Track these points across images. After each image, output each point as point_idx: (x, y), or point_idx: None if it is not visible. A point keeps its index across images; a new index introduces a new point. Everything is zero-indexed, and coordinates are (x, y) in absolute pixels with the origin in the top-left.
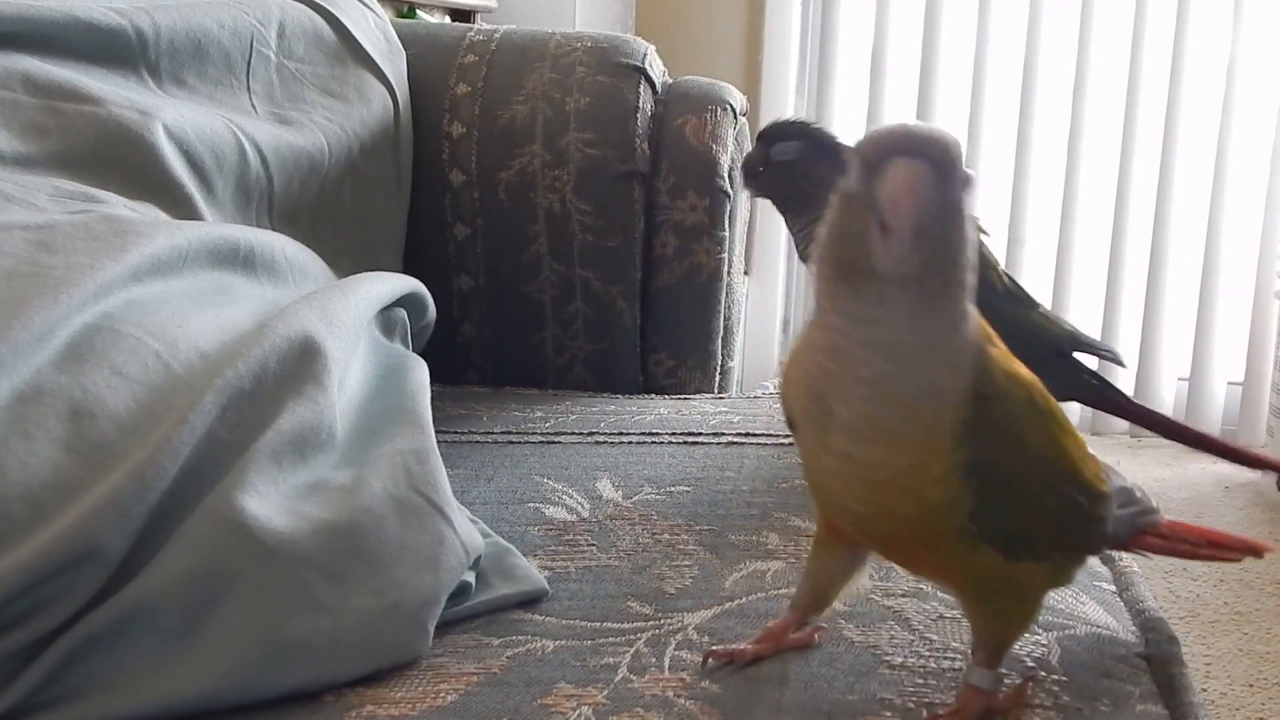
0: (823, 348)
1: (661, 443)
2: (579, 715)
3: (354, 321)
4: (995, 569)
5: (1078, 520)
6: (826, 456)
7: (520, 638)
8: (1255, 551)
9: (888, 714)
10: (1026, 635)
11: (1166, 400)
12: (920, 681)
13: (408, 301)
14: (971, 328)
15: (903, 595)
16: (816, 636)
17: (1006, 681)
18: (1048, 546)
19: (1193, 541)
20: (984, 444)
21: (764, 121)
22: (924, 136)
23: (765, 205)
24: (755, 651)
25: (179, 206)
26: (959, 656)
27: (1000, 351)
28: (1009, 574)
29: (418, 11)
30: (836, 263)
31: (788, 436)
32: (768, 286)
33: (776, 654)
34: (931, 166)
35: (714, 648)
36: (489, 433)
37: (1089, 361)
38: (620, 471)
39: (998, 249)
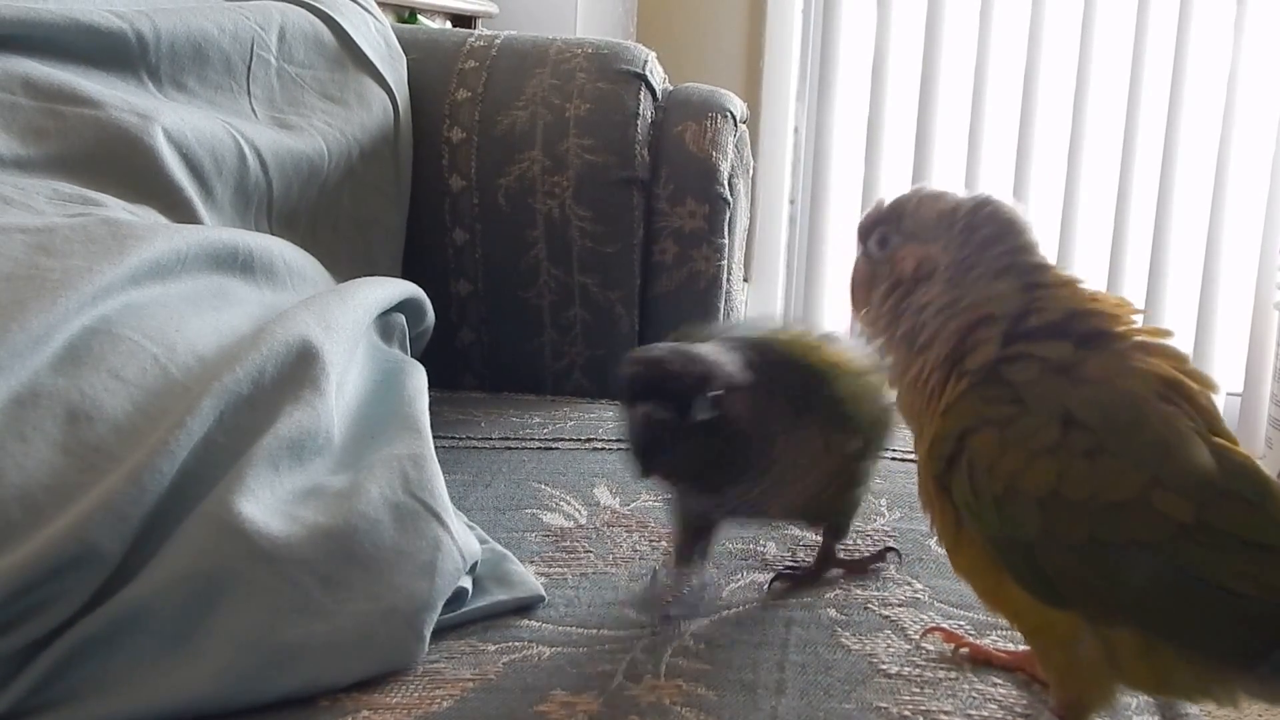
0: None
1: None
2: None
3: (352, 326)
4: (1029, 608)
5: (1160, 584)
6: None
7: (516, 644)
8: None
9: None
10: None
11: None
12: (916, 690)
13: (406, 306)
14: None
15: (899, 605)
16: None
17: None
18: (1078, 595)
19: None
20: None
21: (765, 129)
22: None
23: (764, 210)
24: (998, 657)
25: (178, 210)
26: (954, 666)
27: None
28: (1046, 619)
29: (418, 16)
30: None
31: None
32: (767, 293)
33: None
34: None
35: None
36: (487, 438)
37: None
38: (618, 478)
39: None
